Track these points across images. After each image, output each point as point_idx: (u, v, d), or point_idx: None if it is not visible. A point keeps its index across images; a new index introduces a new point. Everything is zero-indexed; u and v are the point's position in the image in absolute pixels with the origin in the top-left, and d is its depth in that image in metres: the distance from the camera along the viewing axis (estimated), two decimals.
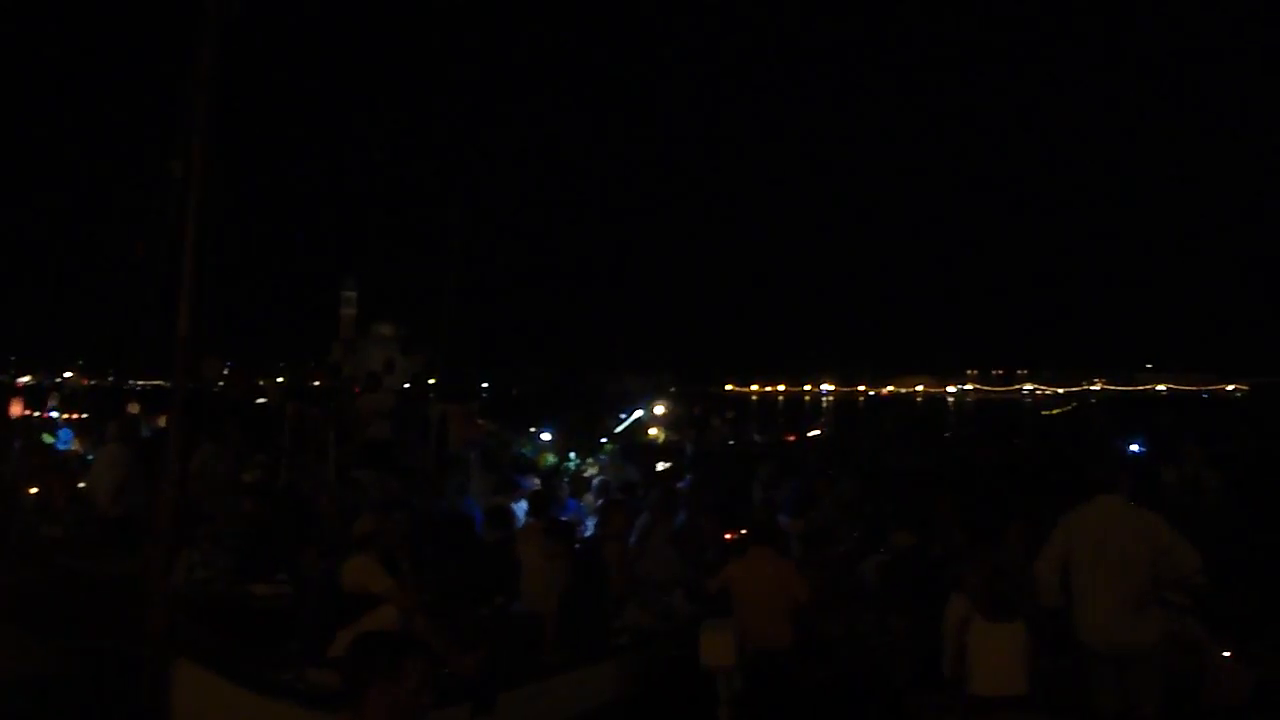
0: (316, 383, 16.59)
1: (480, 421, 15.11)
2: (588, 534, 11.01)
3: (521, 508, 10.74)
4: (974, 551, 7.78)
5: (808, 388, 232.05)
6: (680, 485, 13.12)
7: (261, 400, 17.17)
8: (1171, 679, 6.78)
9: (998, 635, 6.49)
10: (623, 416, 19.68)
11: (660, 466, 15.44)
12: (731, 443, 22.46)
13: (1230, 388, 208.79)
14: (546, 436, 16.47)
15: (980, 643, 6.50)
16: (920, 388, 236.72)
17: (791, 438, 28.02)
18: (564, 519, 10.71)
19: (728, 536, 10.89)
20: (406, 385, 16.40)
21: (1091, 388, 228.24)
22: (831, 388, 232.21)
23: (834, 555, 10.05)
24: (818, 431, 31.10)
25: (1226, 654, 7.29)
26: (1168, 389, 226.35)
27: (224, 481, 11.63)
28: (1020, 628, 6.51)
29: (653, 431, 19.43)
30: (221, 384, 18.60)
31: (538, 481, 12.82)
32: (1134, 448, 23.98)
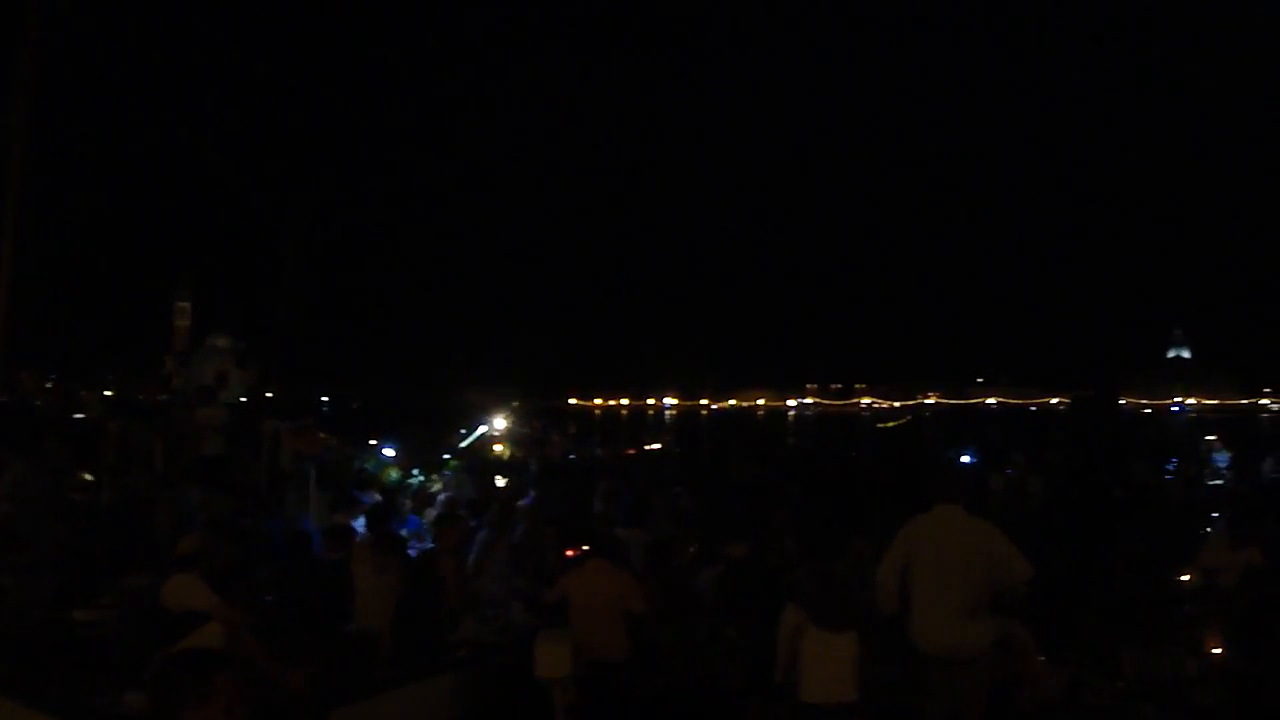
0: (141, 396, 16.05)
1: (323, 435, 14.81)
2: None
3: (361, 524, 10.60)
4: (809, 561, 7.95)
5: (651, 401, 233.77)
6: (524, 502, 13.12)
7: (80, 415, 16.48)
8: (995, 682, 7.02)
9: (830, 644, 6.61)
10: (465, 432, 19.56)
11: (501, 482, 15.40)
12: (573, 457, 22.53)
13: (1054, 401, 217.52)
14: (390, 452, 16.25)
15: (812, 651, 6.63)
16: (761, 401, 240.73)
17: (631, 451, 28.25)
18: (398, 534, 10.58)
19: (569, 553, 10.92)
20: (243, 399, 16.00)
21: (926, 401, 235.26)
22: (674, 401, 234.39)
23: (672, 566, 10.17)
24: (657, 445, 31.37)
25: (1042, 658, 7.60)
26: (997, 402, 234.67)
27: (41, 502, 11.14)
28: (852, 637, 6.64)
29: (497, 448, 19.36)
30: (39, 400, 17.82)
31: (379, 497, 12.64)
32: (965, 458, 24.87)
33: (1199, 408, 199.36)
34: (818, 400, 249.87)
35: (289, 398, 15.85)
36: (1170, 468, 23.75)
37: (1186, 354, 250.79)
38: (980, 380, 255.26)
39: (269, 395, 15.05)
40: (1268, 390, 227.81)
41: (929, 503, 7.03)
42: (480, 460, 17.88)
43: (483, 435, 19.29)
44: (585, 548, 10.20)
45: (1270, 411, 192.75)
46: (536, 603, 9.14)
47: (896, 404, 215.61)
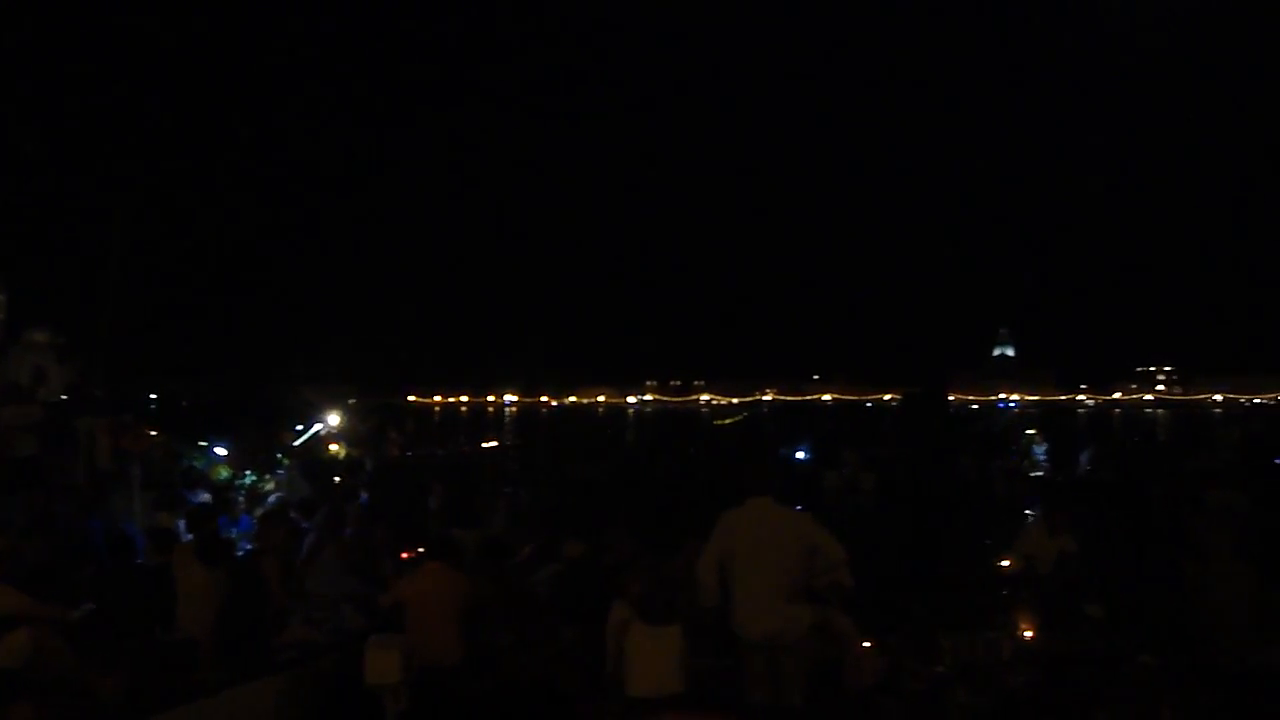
0: None
1: (153, 432, 14.26)
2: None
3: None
4: (639, 558, 8.03)
5: (491, 399, 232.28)
6: (360, 501, 12.90)
7: None
8: (817, 667, 7.20)
9: (655, 638, 6.79)
10: (300, 430, 19.10)
11: (336, 481, 15.10)
12: (410, 455, 22.23)
13: (887, 397, 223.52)
14: (221, 450, 15.75)
15: (638, 646, 6.77)
16: (602, 398, 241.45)
17: (468, 449, 28.05)
18: (222, 535, 10.28)
19: (405, 555, 10.76)
20: (65, 396, 15.29)
21: (763, 398, 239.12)
22: (515, 398, 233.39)
23: (507, 566, 10.12)
24: (494, 443, 31.20)
25: (867, 644, 7.80)
26: (833, 399, 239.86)
27: None
28: (676, 630, 6.84)
29: (333, 447, 18.95)
30: None
31: (208, 497, 12.28)
32: (800, 454, 25.37)
33: (1022, 404, 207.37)
34: (657, 397, 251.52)
35: (113, 394, 15.17)
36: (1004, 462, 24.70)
37: (1011, 352, 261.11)
38: (816, 377, 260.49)
39: (93, 392, 14.37)
40: (1084, 387, 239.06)
41: (742, 495, 7.15)
42: (314, 459, 17.49)
43: (317, 433, 18.87)
44: (420, 550, 10.10)
45: (1087, 407, 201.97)
46: (368, 605, 9.01)
47: (735, 401, 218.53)
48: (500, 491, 13.34)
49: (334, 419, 19.77)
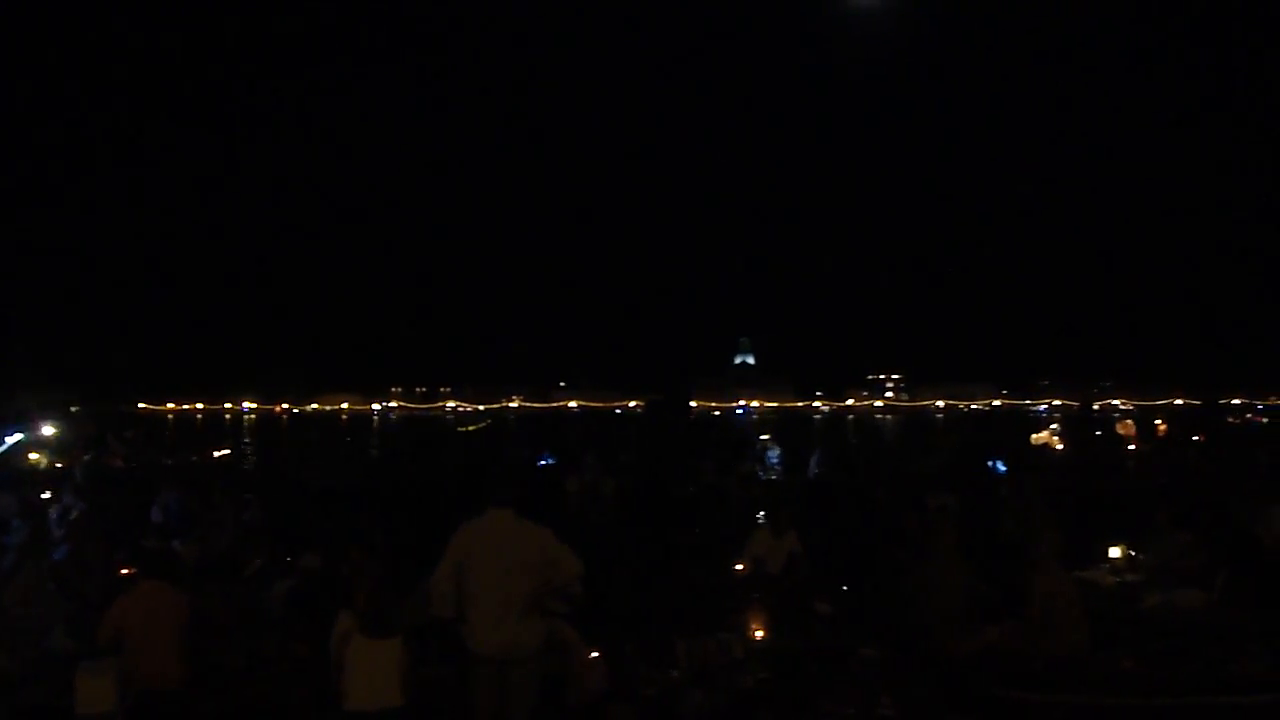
0: None
1: None
2: None
3: None
4: (366, 567, 7.85)
5: (229, 405, 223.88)
6: (71, 516, 12.10)
7: None
8: (545, 679, 7.15)
9: (375, 650, 6.62)
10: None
11: (46, 495, 14.12)
12: (134, 465, 21.08)
13: (632, 404, 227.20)
14: None
15: (358, 658, 6.60)
16: (345, 405, 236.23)
17: (198, 458, 26.90)
18: None
19: (125, 572, 10.15)
20: None
21: (510, 404, 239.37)
22: (253, 405, 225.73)
23: (237, 580, 9.72)
24: (225, 451, 30.00)
25: (595, 654, 7.83)
26: (579, 405, 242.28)
27: None
28: (397, 643, 6.69)
29: (34, 456, 17.75)
30: None
31: None
32: (543, 461, 25.39)
33: (761, 410, 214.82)
34: (403, 404, 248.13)
35: None
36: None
37: (751, 360, 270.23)
38: (563, 384, 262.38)
39: None
40: (819, 394, 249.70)
41: (481, 507, 7.08)
42: (13, 472, 16.34)
43: (19, 443, 17.64)
44: (138, 567, 9.55)
45: (822, 413, 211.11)
46: (82, 628, 8.43)
47: (481, 407, 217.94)
48: (230, 503, 12.73)
49: (47, 428, 18.60)
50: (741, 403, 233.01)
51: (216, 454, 28.44)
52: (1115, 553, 10.78)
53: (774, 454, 24.59)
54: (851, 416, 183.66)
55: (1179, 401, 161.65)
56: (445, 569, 6.92)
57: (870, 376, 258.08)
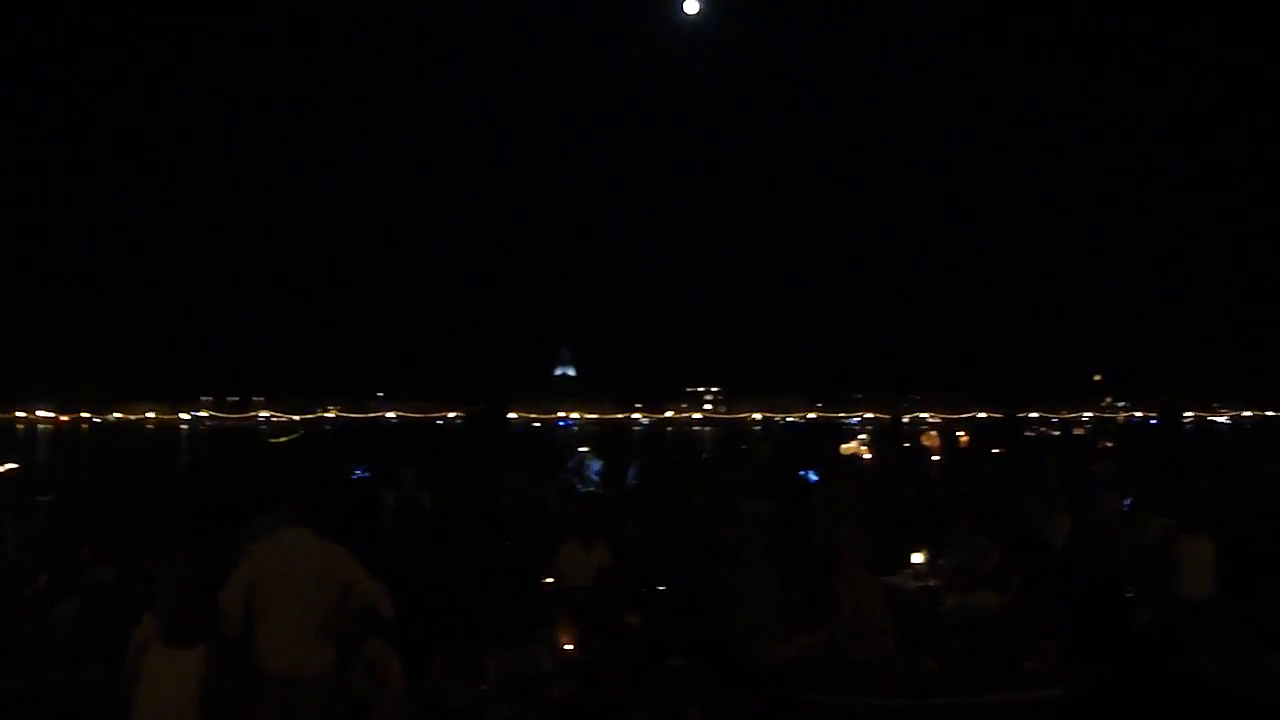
0: None
1: None
2: None
3: None
4: (173, 570, 7.61)
5: (21, 415, 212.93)
6: None
7: None
8: (347, 699, 7.04)
9: (174, 660, 6.40)
10: None
11: None
12: None
13: (452, 415, 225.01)
14: None
15: (155, 668, 6.36)
16: (151, 415, 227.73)
17: None
18: None
19: None
20: None
21: (326, 414, 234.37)
22: (50, 415, 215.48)
23: (21, 598, 9.24)
24: (13, 465, 28.45)
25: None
26: (398, 416, 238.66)
27: None
28: (200, 653, 6.48)
29: None
30: None
31: None
32: (359, 473, 24.84)
33: (582, 421, 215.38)
34: (213, 414, 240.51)
35: None
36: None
37: (572, 372, 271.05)
38: (381, 394, 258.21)
39: None
40: (639, 405, 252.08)
41: (278, 525, 6.93)
42: None
43: None
44: None
45: (641, 425, 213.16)
46: None
47: (295, 418, 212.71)
48: (12, 517, 12.10)
49: None
50: (562, 414, 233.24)
51: (2, 469, 26.93)
52: (918, 558, 11.14)
53: (594, 466, 24.64)
54: (670, 428, 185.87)
55: (982, 415, 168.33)
56: (235, 586, 6.75)
57: (689, 389, 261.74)
